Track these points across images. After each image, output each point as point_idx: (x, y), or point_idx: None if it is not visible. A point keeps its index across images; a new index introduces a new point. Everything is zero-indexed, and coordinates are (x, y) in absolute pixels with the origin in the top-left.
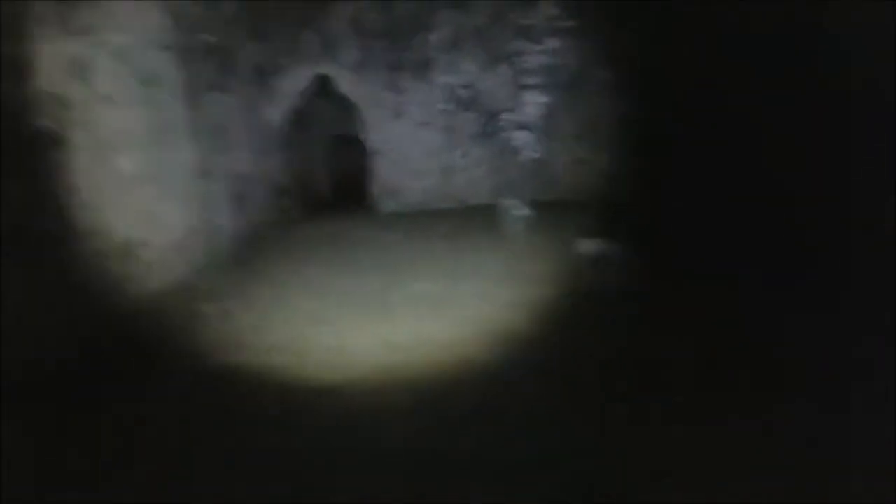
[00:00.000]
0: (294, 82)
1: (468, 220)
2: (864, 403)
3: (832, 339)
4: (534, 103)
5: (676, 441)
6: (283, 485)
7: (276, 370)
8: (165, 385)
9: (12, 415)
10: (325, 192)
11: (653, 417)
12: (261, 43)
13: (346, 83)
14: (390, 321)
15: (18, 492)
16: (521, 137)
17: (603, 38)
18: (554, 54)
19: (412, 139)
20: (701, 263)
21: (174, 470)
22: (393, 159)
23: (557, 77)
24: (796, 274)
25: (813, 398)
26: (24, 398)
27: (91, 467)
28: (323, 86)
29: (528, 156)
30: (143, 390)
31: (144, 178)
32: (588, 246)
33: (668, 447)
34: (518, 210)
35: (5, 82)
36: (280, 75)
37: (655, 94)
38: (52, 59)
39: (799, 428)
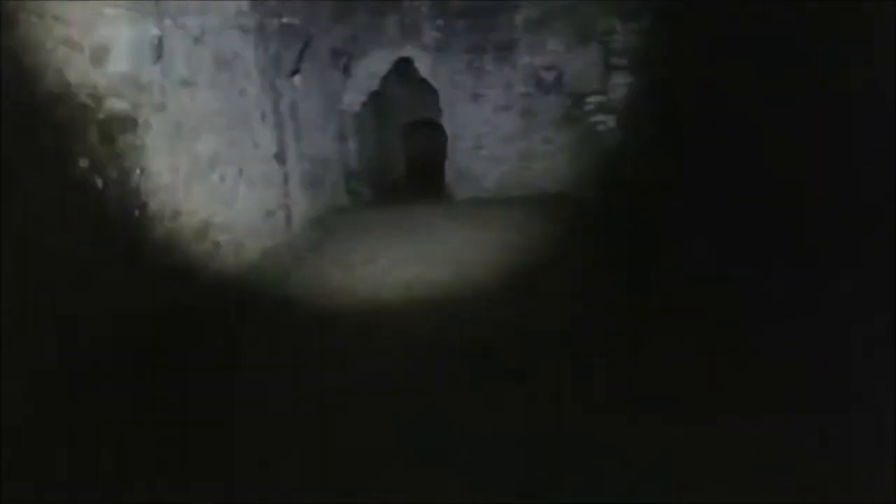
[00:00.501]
0: (374, 65)
1: (546, 209)
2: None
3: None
4: (622, 86)
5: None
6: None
7: (339, 356)
8: (236, 366)
9: (83, 395)
10: (400, 177)
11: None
12: (341, 25)
13: (426, 66)
14: (456, 316)
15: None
16: (607, 122)
17: (697, 19)
18: (643, 35)
19: (491, 124)
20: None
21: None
22: (470, 144)
23: (649, 59)
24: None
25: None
26: (93, 377)
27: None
28: (402, 69)
29: (614, 142)
30: (213, 374)
31: (221, 161)
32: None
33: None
34: (598, 199)
35: (82, 67)
36: (360, 58)
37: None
38: (129, 42)
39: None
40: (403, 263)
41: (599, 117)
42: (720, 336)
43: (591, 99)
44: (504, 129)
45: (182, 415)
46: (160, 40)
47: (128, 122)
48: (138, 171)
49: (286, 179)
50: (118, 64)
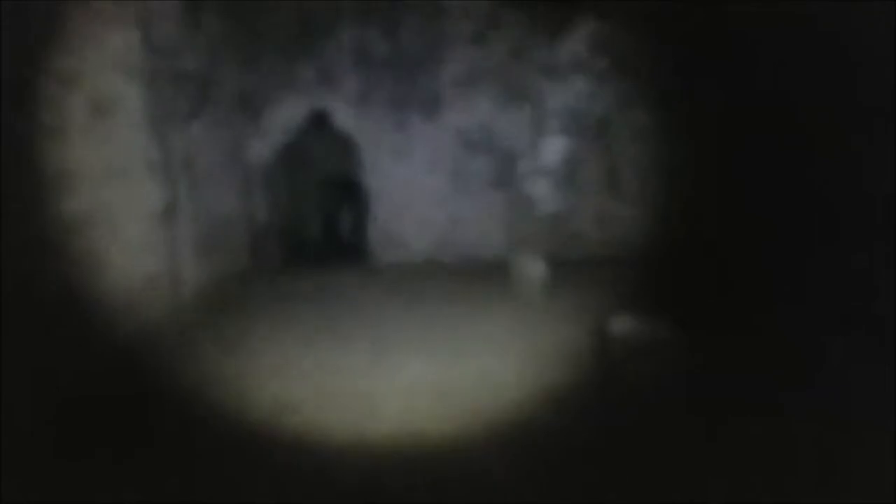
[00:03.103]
0: (286, 115)
1: (477, 277)
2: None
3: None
4: (555, 149)
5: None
6: None
7: (223, 478)
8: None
9: None
10: (315, 239)
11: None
12: (249, 70)
13: (345, 119)
14: (373, 416)
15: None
16: (539, 186)
17: (636, 79)
18: (579, 96)
19: (416, 184)
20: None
21: None
22: (394, 206)
23: (582, 121)
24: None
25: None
26: None
27: None
28: (319, 121)
29: (546, 207)
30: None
31: (92, 222)
32: (621, 325)
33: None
34: (534, 268)
35: None
36: (270, 107)
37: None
38: None
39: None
40: (316, 346)
41: (530, 180)
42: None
43: (522, 162)
44: (431, 189)
45: None
46: (20, 83)
47: None
48: None
49: (174, 241)
50: None
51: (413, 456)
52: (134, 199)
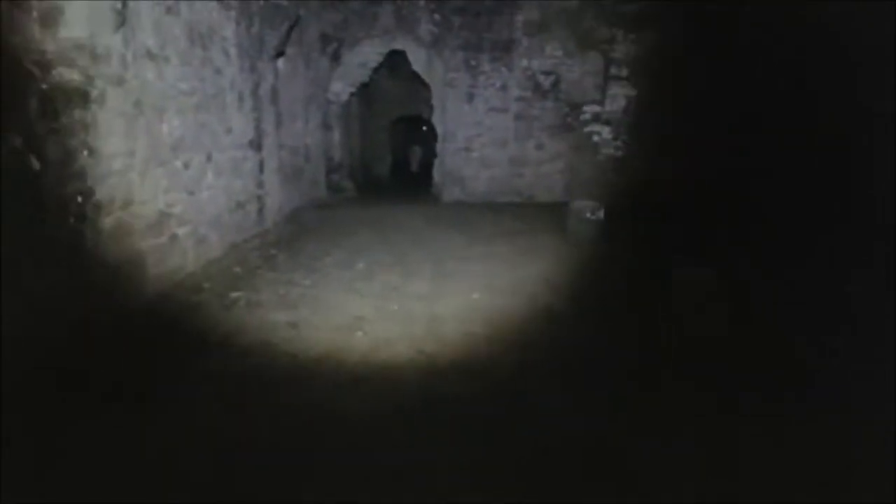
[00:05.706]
0: (365, 55)
1: (536, 219)
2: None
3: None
4: (622, 96)
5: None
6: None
7: (297, 380)
8: (179, 379)
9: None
10: (385, 173)
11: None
12: (332, 9)
13: (420, 61)
14: (434, 335)
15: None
16: (603, 133)
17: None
18: (648, 45)
19: (483, 126)
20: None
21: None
22: (461, 145)
23: (650, 69)
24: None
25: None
26: (31, 383)
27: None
28: (394, 62)
29: (609, 154)
30: (157, 382)
31: (187, 146)
32: (681, 270)
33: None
34: (593, 214)
35: (27, 28)
36: (350, 46)
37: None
38: (86, 5)
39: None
40: (382, 270)
41: (595, 127)
42: (722, 335)
43: (588, 108)
44: (497, 132)
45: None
46: (124, 5)
47: (77, 95)
48: (85, 152)
49: (261, 169)
50: (72, 28)
51: (467, 374)
52: (226, 126)
